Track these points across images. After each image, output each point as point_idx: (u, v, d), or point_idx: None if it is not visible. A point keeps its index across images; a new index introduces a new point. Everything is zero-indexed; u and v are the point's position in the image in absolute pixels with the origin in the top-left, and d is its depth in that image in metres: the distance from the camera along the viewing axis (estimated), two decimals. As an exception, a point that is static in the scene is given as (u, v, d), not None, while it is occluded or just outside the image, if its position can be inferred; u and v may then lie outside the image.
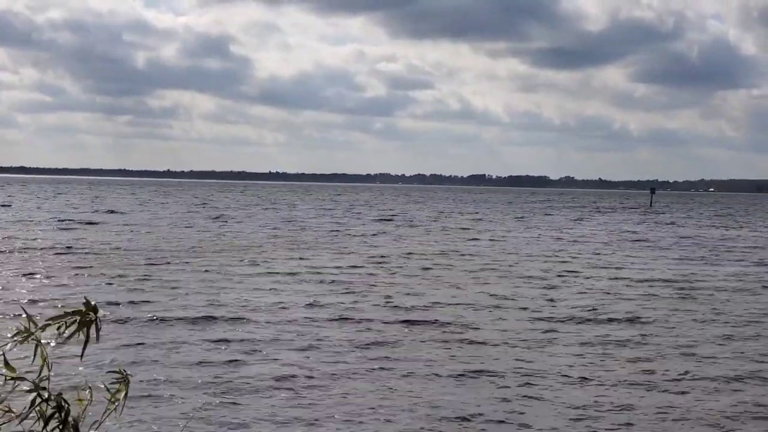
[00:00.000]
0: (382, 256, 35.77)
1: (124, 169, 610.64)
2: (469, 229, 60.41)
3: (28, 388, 3.01)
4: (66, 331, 2.95)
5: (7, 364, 3.06)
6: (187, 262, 31.17)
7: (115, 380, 3.15)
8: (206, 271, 28.73)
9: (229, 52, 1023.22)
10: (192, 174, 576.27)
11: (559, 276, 30.31)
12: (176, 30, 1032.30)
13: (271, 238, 45.53)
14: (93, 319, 2.97)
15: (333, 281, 26.86)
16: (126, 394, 3.19)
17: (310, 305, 21.80)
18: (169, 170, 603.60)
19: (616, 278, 30.12)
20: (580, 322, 20.52)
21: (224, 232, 49.47)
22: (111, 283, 25.20)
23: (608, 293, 25.89)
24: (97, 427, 3.20)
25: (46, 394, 2.96)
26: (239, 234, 47.80)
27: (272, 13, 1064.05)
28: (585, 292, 25.93)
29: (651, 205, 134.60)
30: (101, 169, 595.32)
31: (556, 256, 38.82)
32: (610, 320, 20.90)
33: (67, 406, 2.95)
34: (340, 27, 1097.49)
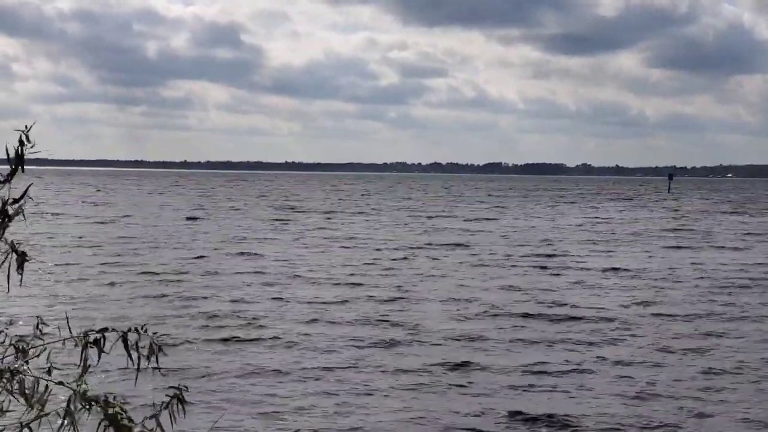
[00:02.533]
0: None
1: (141, 160, 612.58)
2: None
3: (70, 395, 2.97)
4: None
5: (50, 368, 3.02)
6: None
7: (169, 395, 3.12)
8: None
9: (240, 42, 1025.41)
10: (208, 165, 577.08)
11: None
12: (185, 19, 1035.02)
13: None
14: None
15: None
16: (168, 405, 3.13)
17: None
18: (185, 161, 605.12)
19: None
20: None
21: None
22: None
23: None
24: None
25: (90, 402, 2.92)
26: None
27: (280, 1, 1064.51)
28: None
29: (669, 191, 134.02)
30: (118, 161, 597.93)
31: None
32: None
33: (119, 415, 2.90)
34: (351, 15, 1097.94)
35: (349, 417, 11.88)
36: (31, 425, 3.29)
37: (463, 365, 14.71)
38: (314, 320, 18.82)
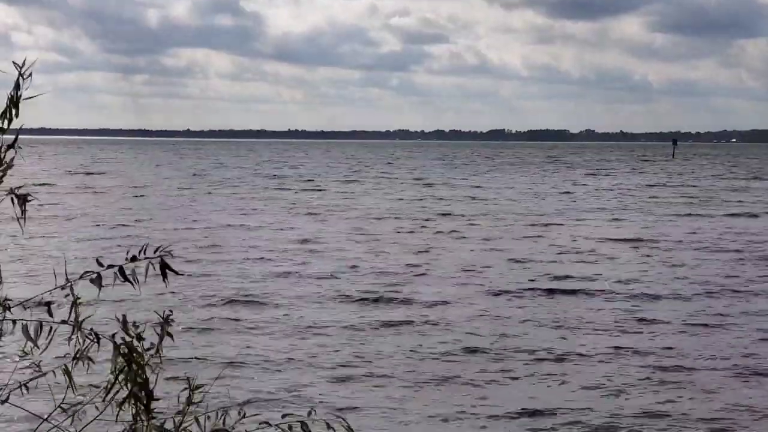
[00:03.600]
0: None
1: (144, 129, 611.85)
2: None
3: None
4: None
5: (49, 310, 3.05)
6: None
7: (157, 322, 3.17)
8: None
9: (240, 8, 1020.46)
10: (212, 133, 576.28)
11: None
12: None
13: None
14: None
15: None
16: (161, 340, 3.17)
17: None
18: (188, 129, 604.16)
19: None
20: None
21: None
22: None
23: None
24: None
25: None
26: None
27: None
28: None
29: (673, 157, 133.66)
30: (121, 129, 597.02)
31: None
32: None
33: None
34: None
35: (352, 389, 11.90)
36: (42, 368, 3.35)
37: (475, 349, 13.86)
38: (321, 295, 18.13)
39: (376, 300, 17.26)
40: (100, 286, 3.02)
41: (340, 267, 21.25)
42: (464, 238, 28.05)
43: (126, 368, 2.98)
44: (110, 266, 3.04)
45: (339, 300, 17.30)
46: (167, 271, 3.06)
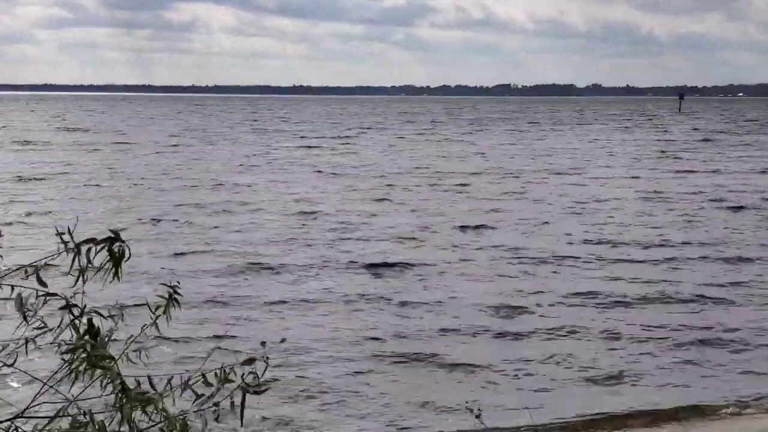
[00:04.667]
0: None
1: (149, 85, 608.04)
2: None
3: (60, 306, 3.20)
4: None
5: (39, 279, 3.24)
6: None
7: (162, 295, 3.37)
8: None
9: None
10: (216, 89, 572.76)
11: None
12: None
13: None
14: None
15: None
16: (166, 309, 3.37)
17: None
18: (193, 85, 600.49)
19: None
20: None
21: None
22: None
23: None
24: (130, 342, 3.40)
25: (77, 311, 3.16)
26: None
27: None
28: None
29: (680, 111, 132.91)
30: (126, 85, 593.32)
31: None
32: None
33: (98, 324, 3.14)
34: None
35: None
36: (36, 339, 3.49)
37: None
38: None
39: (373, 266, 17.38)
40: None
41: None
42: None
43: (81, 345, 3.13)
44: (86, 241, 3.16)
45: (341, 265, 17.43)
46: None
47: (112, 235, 3.12)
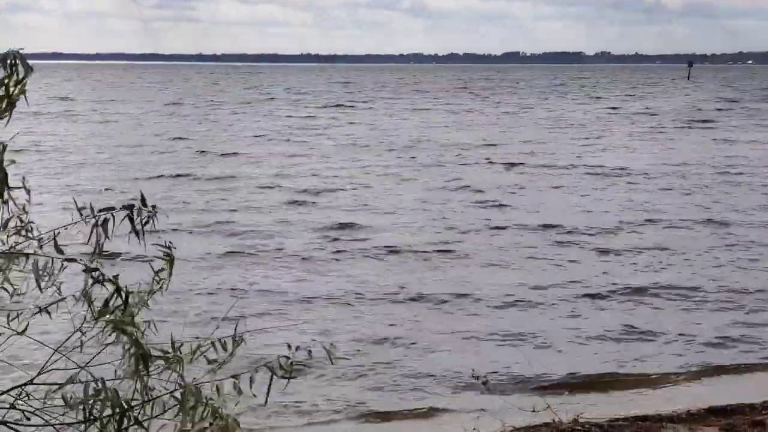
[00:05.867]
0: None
1: (157, 54, 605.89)
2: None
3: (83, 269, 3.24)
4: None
5: (57, 246, 3.29)
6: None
7: (160, 257, 3.41)
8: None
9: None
10: (224, 57, 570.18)
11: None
12: None
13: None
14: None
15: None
16: (170, 271, 3.42)
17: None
18: (200, 54, 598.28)
19: None
20: None
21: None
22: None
23: None
24: (142, 306, 3.44)
25: (98, 275, 3.20)
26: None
27: None
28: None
29: (689, 79, 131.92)
30: (134, 54, 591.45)
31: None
32: None
33: (125, 288, 3.19)
34: None
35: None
36: (48, 308, 3.53)
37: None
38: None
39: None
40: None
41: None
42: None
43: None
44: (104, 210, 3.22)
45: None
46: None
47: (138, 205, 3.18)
